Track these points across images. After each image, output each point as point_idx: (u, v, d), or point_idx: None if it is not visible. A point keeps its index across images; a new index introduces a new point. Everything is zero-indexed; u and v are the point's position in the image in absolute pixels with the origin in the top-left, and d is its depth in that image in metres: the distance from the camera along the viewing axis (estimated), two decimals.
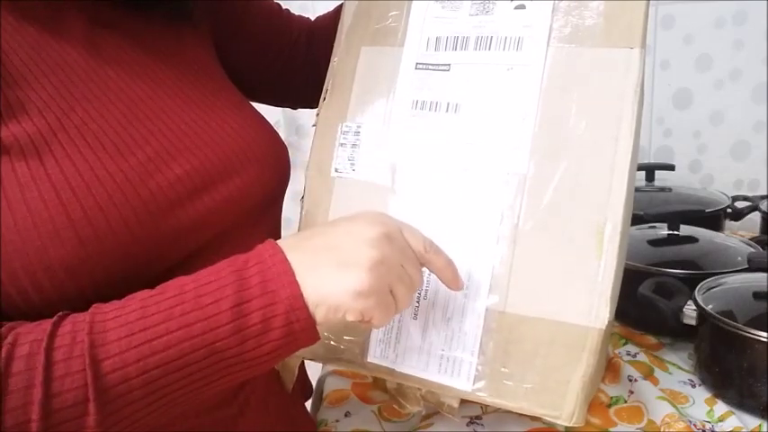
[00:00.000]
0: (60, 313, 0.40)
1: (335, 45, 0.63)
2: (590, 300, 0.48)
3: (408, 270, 0.45)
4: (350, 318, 0.43)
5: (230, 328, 0.40)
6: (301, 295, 0.41)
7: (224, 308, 0.40)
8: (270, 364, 0.43)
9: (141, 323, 0.39)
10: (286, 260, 0.42)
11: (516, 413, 0.63)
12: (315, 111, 0.64)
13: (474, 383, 0.51)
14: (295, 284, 0.41)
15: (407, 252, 0.46)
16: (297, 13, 0.78)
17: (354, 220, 0.46)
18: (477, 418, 0.64)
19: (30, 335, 0.38)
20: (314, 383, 0.78)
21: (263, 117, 0.61)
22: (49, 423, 0.36)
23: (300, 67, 0.76)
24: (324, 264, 0.43)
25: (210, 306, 0.40)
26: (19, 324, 0.39)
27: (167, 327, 0.39)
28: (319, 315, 0.42)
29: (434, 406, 0.55)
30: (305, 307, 0.41)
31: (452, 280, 0.49)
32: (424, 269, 0.48)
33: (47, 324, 0.39)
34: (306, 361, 0.62)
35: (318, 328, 0.43)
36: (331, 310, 0.42)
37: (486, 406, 0.66)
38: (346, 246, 0.43)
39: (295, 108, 0.85)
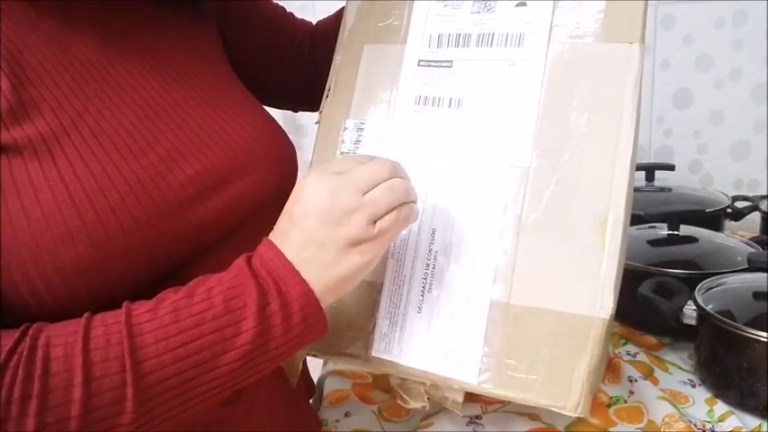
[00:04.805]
0: (87, 314, 0.40)
1: (338, 43, 0.64)
2: (593, 290, 0.48)
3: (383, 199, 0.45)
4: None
5: (256, 331, 0.42)
6: (311, 291, 0.44)
7: (249, 313, 0.42)
8: (286, 357, 0.45)
9: (176, 327, 0.40)
10: (288, 261, 0.44)
11: (516, 413, 0.64)
12: (316, 111, 0.64)
13: (479, 375, 0.50)
14: (304, 283, 0.44)
15: (369, 197, 0.45)
16: (297, 15, 0.78)
17: (313, 206, 0.45)
18: (478, 417, 0.64)
19: (61, 337, 0.39)
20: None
21: (270, 115, 0.61)
22: (87, 420, 0.37)
23: (302, 69, 0.76)
24: (313, 258, 0.44)
25: (239, 311, 0.42)
26: (45, 325, 0.40)
27: (201, 330, 0.41)
28: (334, 298, 0.46)
29: (438, 401, 0.55)
30: (316, 301, 0.44)
31: None
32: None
33: (75, 326, 0.39)
34: (307, 359, 0.62)
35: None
36: (344, 290, 0.46)
37: (487, 405, 0.66)
38: (317, 233, 0.44)
39: (296, 111, 0.85)
